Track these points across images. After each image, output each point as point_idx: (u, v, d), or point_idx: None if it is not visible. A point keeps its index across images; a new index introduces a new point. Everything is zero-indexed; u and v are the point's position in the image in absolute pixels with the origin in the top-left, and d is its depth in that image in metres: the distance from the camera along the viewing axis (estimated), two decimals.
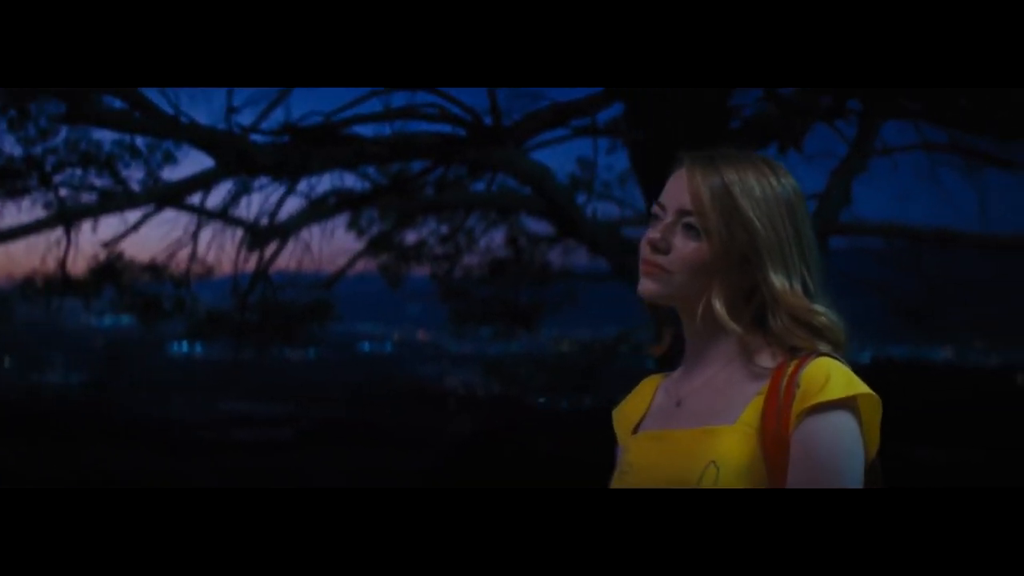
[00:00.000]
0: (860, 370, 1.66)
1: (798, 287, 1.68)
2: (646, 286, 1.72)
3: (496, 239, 11.63)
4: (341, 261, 10.74)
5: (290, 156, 7.45)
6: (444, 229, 11.42)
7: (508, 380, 17.14)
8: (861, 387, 1.61)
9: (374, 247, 11.20)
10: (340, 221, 10.25)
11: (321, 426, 19.03)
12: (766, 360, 1.70)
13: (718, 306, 1.68)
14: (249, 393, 20.91)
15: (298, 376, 23.10)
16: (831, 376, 1.61)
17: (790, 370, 1.64)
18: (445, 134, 7.41)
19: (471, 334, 13.77)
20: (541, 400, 18.07)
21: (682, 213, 1.70)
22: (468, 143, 7.33)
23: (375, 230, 11.14)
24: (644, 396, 1.88)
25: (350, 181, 9.42)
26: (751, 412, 1.65)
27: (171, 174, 8.58)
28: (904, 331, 13.55)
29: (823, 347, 1.66)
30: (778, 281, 1.67)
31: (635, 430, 1.83)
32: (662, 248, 1.70)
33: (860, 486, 1.59)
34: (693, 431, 1.69)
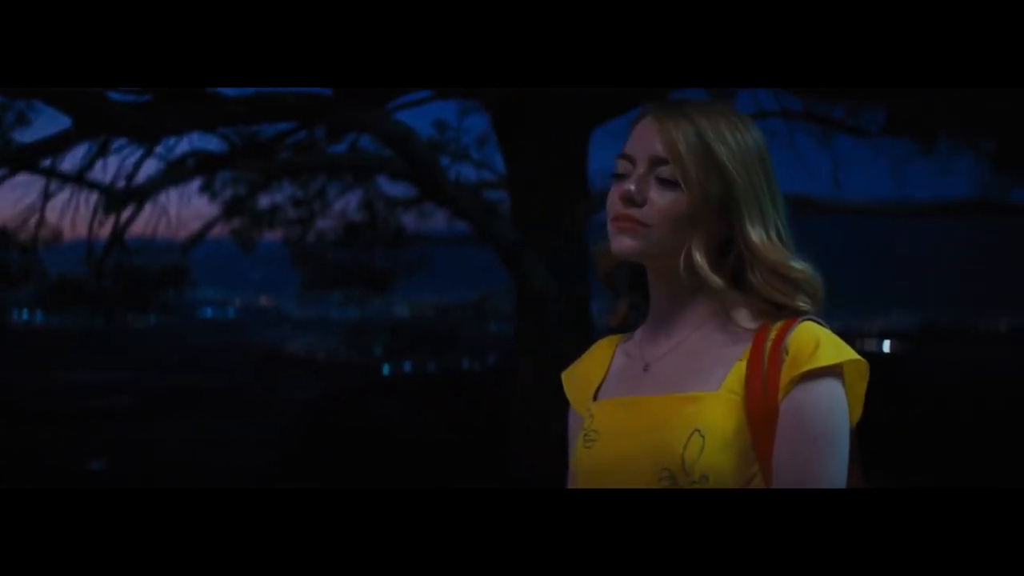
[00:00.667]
0: None
1: (775, 238, 1.62)
2: (623, 243, 1.62)
3: (351, 203, 11.54)
4: (197, 225, 10.50)
5: (150, 116, 7.22)
6: (300, 194, 11.27)
7: (358, 345, 17.07)
8: (850, 352, 1.57)
9: (228, 211, 10.98)
10: (198, 184, 10.03)
11: (163, 394, 18.66)
12: (744, 320, 1.64)
13: (699, 259, 1.60)
14: (90, 361, 20.32)
15: (139, 343, 22.56)
16: (820, 341, 1.56)
17: (774, 333, 1.59)
18: (311, 94, 7.29)
19: (323, 299, 13.66)
20: (386, 365, 18.02)
21: (655, 163, 1.61)
22: (334, 103, 7.23)
23: (229, 193, 10.93)
24: (600, 359, 1.79)
25: (213, 144, 9.19)
26: (734, 377, 1.59)
27: (24, 136, 8.24)
28: None
29: (801, 302, 1.61)
30: (755, 232, 1.61)
31: (595, 395, 1.75)
32: (638, 201, 1.61)
33: (847, 455, 1.55)
34: (673, 397, 1.61)
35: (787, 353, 1.56)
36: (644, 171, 1.62)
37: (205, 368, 21.84)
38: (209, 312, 27.53)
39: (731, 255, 1.63)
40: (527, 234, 7.90)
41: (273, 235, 11.96)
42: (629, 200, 1.61)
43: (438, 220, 10.80)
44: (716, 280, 1.61)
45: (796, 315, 1.61)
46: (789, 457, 1.54)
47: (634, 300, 1.74)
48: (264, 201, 11.45)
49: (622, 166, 1.64)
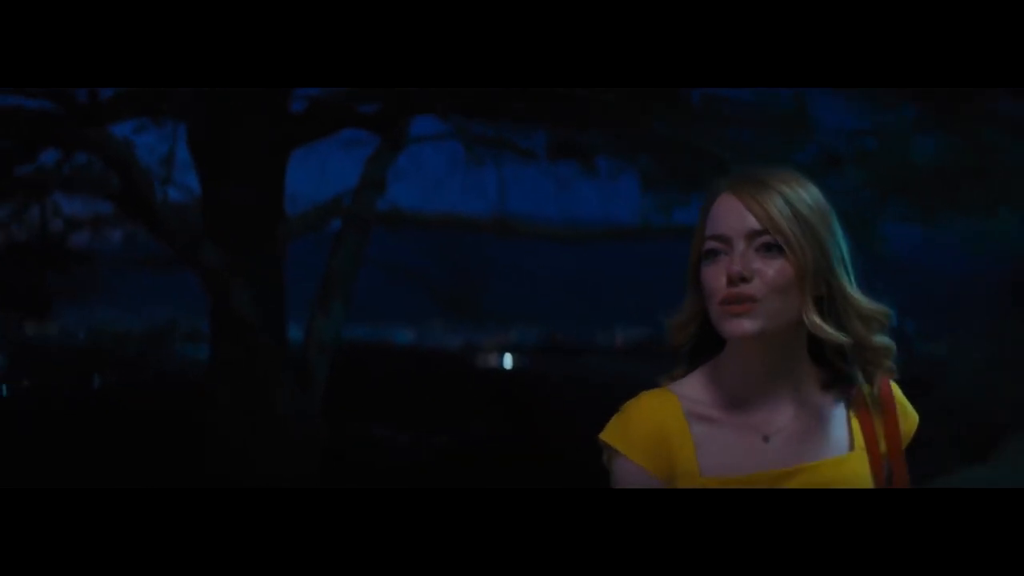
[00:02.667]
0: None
1: (857, 287, 1.69)
2: (742, 327, 1.63)
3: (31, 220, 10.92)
4: None
5: None
6: None
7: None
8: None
9: None
10: None
11: None
12: (830, 379, 1.74)
13: (817, 320, 1.64)
14: None
15: None
16: (902, 395, 1.79)
17: (876, 390, 1.74)
18: (42, 109, 6.98)
19: None
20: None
21: (753, 235, 1.64)
22: (64, 120, 6.95)
23: None
24: (674, 422, 1.70)
25: None
26: (857, 436, 1.73)
27: None
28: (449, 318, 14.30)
29: (879, 341, 1.70)
30: (848, 285, 1.67)
31: (701, 472, 1.67)
32: (748, 277, 1.62)
33: None
34: (826, 463, 1.69)
35: (899, 410, 1.76)
36: (744, 247, 1.63)
37: None
38: None
39: (828, 316, 1.66)
40: (228, 258, 7.84)
41: None
42: (739, 279, 1.62)
43: (115, 239, 10.43)
44: (840, 335, 1.66)
45: (875, 374, 1.74)
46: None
47: (693, 362, 1.74)
48: None
49: (714, 247, 1.66)
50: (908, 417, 1.77)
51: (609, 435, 1.69)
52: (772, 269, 1.62)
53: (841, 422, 1.73)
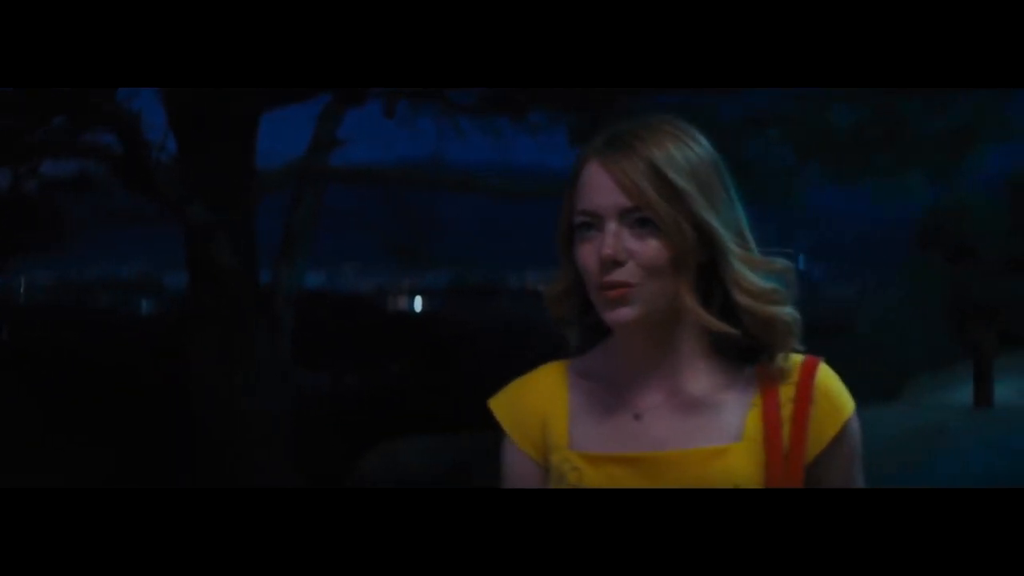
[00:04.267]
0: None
1: (748, 246, 1.54)
2: (622, 315, 1.50)
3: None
4: None
5: None
6: None
7: None
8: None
9: None
10: None
11: None
12: (736, 359, 1.57)
13: (691, 303, 1.51)
14: None
15: None
16: (837, 382, 1.56)
17: (795, 378, 1.54)
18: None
19: None
20: None
21: (625, 213, 1.49)
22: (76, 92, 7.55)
23: None
24: (553, 393, 1.62)
25: None
26: (752, 426, 1.53)
27: None
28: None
29: (773, 312, 1.52)
30: (735, 254, 1.51)
31: (570, 443, 1.58)
32: (621, 260, 1.49)
33: None
34: (696, 452, 1.52)
35: (816, 403, 1.53)
36: (616, 226, 1.50)
37: None
38: None
39: (715, 286, 1.53)
40: (212, 215, 8.52)
41: None
42: (612, 264, 1.49)
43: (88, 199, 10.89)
44: (712, 321, 1.51)
45: (776, 350, 1.55)
46: (844, 485, 1.55)
47: (586, 328, 1.62)
48: None
49: (583, 221, 1.53)
50: (835, 411, 1.53)
51: (496, 404, 1.65)
52: (647, 250, 1.49)
53: (736, 408, 1.54)
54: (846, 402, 1.55)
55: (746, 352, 1.56)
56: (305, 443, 9.63)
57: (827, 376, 1.56)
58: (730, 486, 1.51)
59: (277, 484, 8.57)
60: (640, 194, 1.49)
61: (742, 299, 1.51)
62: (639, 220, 1.50)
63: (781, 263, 1.56)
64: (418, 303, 19.63)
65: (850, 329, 14.22)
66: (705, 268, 1.53)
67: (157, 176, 8.29)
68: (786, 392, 1.55)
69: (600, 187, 1.52)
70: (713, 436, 1.54)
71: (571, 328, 1.63)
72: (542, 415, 1.62)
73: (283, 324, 9.43)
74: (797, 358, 1.56)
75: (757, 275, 1.53)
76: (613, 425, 1.58)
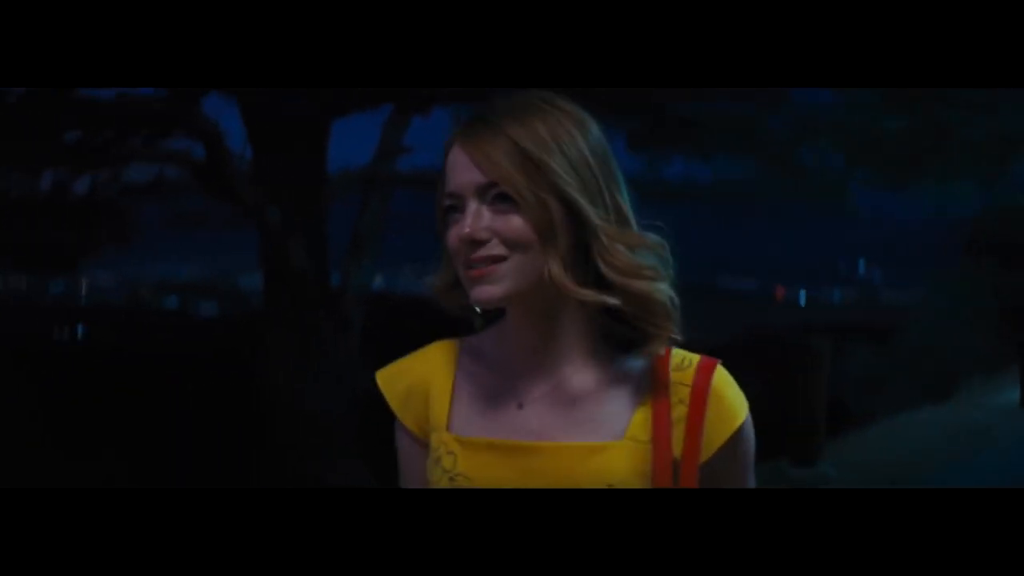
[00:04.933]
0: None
1: (619, 221, 1.48)
2: (486, 292, 1.46)
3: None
4: None
5: None
6: None
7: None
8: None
9: None
10: None
11: None
12: (625, 354, 1.52)
13: (557, 271, 1.44)
14: None
15: None
16: (732, 386, 1.51)
17: (688, 378, 1.50)
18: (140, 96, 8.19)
19: None
20: None
21: (482, 190, 1.45)
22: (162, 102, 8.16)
23: None
24: (438, 371, 1.58)
25: None
26: (637, 424, 1.48)
27: None
28: None
29: (646, 290, 1.46)
30: (606, 229, 1.46)
31: (449, 425, 1.54)
32: (484, 238, 1.44)
33: None
34: (572, 446, 1.48)
35: (711, 406, 1.48)
36: (475, 205, 1.45)
37: None
38: None
39: (590, 260, 1.47)
40: (287, 218, 9.01)
41: None
42: (472, 243, 1.45)
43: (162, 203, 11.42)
44: (582, 292, 1.45)
45: (655, 333, 1.49)
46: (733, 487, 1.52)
47: (486, 312, 1.55)
48: None
49: (449, 203, 1.48)
50: (727, 416, 1.49)
51: (382, 376, 1.61)
52: (508, 225, 1.45)
53: (622, 404, 1.50)
54: (739, 408, 1.51)
55: (631, 344, 1.52)
56: (372, 442, 9.99)
57: (723, 380, 1.51)
58: (604, 485, 1.46)
59: (345, 484, 8.94)
60: (495, 168, 1.45)
61: (613, 275, 1.46)
62: (498, 196, 1.45)
63: (653, 238, 1.50)
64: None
65: (902, 332, 14.43)
66: (579, 248, 1.47)
67: (236, 182, 8.78)
68: (678, 393, 1.50)
69: (458, 166, 1.48)
70: (593, 432, 1.49)
71: (475, 315, 1.55)
72: (425, 392, 1.58)
73: (352, 324, 9.85)
74: (694, 358, 1.52)
75: (629, 251, 1.47)
76: (495, 412, 1.53)
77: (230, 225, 9.96)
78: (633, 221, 1.50)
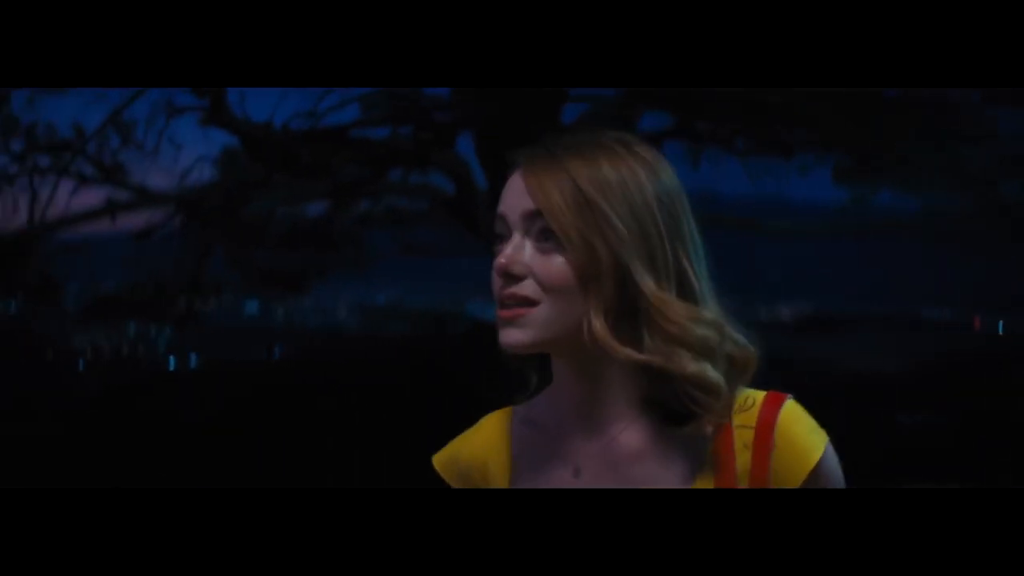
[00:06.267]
0: None
1: (674, 289, 1.36)
2: (511, 337, 1.36)
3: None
4: None
5: None
6: None
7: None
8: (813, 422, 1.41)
9: None
10: None
11: None
12: (668, 420, 1.40)
13: (598, 326, 1.34)
14: None
15: None
16: (801, 421, 1.39)
17: (754, 421, 1.38)
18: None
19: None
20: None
21: (528, 219, 1.36)
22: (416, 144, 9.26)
23: None
24: (494, 445, 1.52)
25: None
26: (703, 479, 1.39)
27: None
28: None
29: (697, 371, 1.35)
30: (647, 282, 1.34)
31: None
32: (519, 272, 1.36)
33: None
34: None
35: (780, 444, 1.37)
36: (519, 236, 1.37)
37: None
38: None
39: (640, 317, 1.36)
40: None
41: None
42: (507, 276, 1.36)
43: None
44: (620, 348, 1.34)
45: (697, 418, 1.38)
46: None
47: (543, 367, 1.47)
48: None
49: (498, 226, 1.41)
50: (799, 457, 1.36)
51: (439, 460, 1.55)
52: (549, 266, 1.35)
53: (682, 456, 1.40)
54: (812, 445, 1.37)
55: (676, 415, 1.39)
56: None
57: (790, 416, 1.39)
58: None
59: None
60: (544, 199, 1.35)
61: (656, 344, 1.35)
62: (544, 231, 1.36)
63: (710, 315, 1.37)
64: None
65: None
66: (625, 300, 1.36)
67: (479, 216, 9.76)
68: (743, 437, 1.38)
69: (511, 190, 1.40)
70: (660, 487, 1.39)
71: (531, 368, 1.47)
72: (483, 471, 1.51)
73: None
74: (758, 396, 1.40)
75: (680, 323, 1.35)
76: (552, 481, 1.44)
77: (454, 254, 10.89)
78: (700, 283, 1.39)
